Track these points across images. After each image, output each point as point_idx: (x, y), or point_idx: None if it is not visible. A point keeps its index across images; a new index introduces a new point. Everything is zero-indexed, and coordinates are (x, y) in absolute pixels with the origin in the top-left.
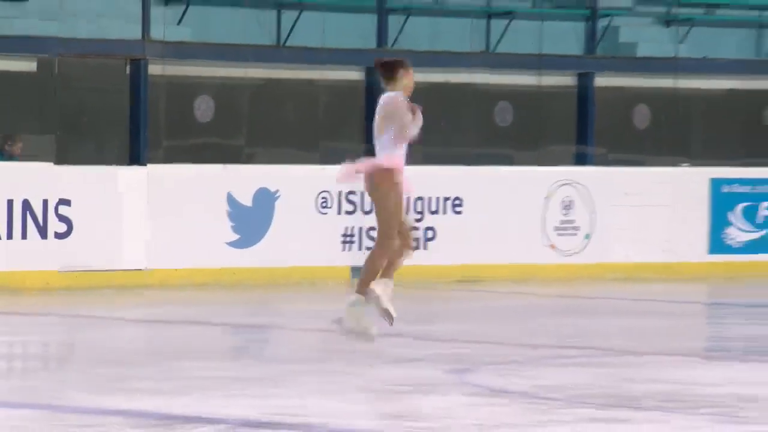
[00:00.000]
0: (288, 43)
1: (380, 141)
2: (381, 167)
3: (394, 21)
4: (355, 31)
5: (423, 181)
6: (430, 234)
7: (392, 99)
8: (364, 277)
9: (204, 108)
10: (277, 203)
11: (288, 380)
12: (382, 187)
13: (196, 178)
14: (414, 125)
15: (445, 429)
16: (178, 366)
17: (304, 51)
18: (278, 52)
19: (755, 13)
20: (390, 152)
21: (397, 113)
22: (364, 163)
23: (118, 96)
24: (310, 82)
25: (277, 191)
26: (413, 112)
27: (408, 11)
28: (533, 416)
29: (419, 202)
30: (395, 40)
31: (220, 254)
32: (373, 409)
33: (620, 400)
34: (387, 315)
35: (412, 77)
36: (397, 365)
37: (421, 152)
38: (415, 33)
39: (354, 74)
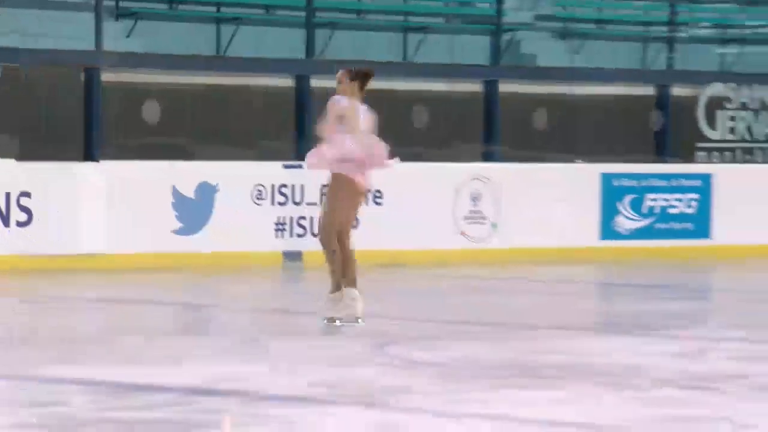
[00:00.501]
0: (227, 54)
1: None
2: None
3: (321, 34)
4: (287, 43)
5: None
6: (354, 223)
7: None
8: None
9: (151, 111)
10: (217, 195)
11: (226, 353)
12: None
13: (144, 174)
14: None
15: (364, 396)
16: (130, 341)
17: (241, 60)
18: (218, 61)
19: (641, 28)
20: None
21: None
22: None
23: (75, 101)
24: (246, 88)
25: (217, 185)
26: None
27: (334, 25)
28: (445, 385)
29: None
30: (322, 51)
31: (166, 241)
32: (301, 378)
33: (522, 370)
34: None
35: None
36: (321, 339)
37: None
38: (340, 45)
39: (285, 81)
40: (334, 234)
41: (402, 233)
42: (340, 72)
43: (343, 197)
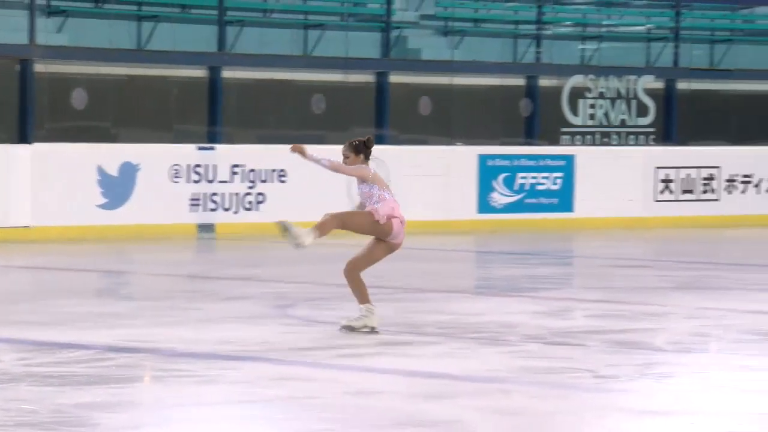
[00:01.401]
0: (147, 47)
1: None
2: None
3: (231, 30)
4: (200, 38)
5: (256, 157)
6: (261, 198)
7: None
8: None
9: (79, 98)
10: (138, 174)
11: (143, 314)
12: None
13: (72, 154)
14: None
15: (266, 351)
16: (55, 303)
17: (159, 53)
18: (139, 54)
19: (512, 26)
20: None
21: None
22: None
23: (10, 89)
24: (164, 78)
25: (139, 164)
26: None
27: (242, 23)
28: (338, 341)
29: (252, 173)
30: (232, 45)
31: (92, 215)
32: (208, 337)
33: (407, 328)
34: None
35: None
36: (229, 302)
37: (255, 134)
38: (248, 40)
39: (199, 72)
40: (357, 273)
41: (303, 207)
42: (344, 147)
43: (383, 249)
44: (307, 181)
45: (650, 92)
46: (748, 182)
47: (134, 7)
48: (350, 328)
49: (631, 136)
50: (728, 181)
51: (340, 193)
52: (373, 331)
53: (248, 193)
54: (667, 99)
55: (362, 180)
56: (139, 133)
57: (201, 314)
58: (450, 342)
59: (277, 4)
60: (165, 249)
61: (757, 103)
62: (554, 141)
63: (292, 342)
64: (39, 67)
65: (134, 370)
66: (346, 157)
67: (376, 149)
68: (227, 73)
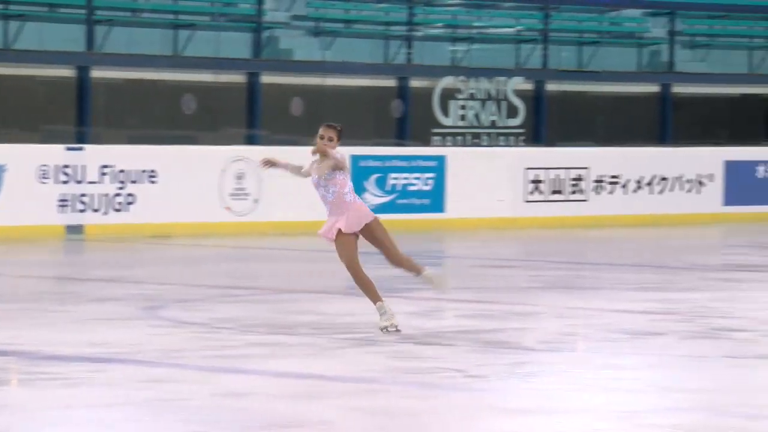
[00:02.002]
0: (13, 47)
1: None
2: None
3: (100, 30)
4: (69, 37)
5: (126, 158)
6: (130, 199)
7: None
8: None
9: None
10: (5, 175)
11: (9, 317)
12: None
13: None
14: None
15: (135, 353)
16: None
17: (26, 53)
18: (5, 53)
19: (383, 27)
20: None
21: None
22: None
23: None
24: (31, 78)
25: (5, 165)
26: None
27: (111, 22)
28: (210, 342)
29: (122, 174)
30: (101, 44)
31: None
32: (76, 339)
33: (279, 328)
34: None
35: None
36: (98, 303)
37: (125, 135)
38: (117, 39)
39: (67, 72)
40: (360, 271)
41: (173, 208)
42: (328, 129)
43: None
44: (178, 181)
45: (520, 93)
46: (616, 183)
47: (0, 6)
48: (384, 330)
49: (501, 137)
50: (596, 181)
51: (211, 193)
52: (396, 330)
53: (118, 194)
54: (536, 100)
55: (340, 169)
56: (5, 134)
57: (69, 316)
58: (321, 342)
59: (146, 3)
60: (33, 250)
61: (624, 104)
62: (425, 142)
63: (161, 344)
64: None
65: (3, 374)
66: (330, 139)
67: (246, 150)
68: (96, 73)
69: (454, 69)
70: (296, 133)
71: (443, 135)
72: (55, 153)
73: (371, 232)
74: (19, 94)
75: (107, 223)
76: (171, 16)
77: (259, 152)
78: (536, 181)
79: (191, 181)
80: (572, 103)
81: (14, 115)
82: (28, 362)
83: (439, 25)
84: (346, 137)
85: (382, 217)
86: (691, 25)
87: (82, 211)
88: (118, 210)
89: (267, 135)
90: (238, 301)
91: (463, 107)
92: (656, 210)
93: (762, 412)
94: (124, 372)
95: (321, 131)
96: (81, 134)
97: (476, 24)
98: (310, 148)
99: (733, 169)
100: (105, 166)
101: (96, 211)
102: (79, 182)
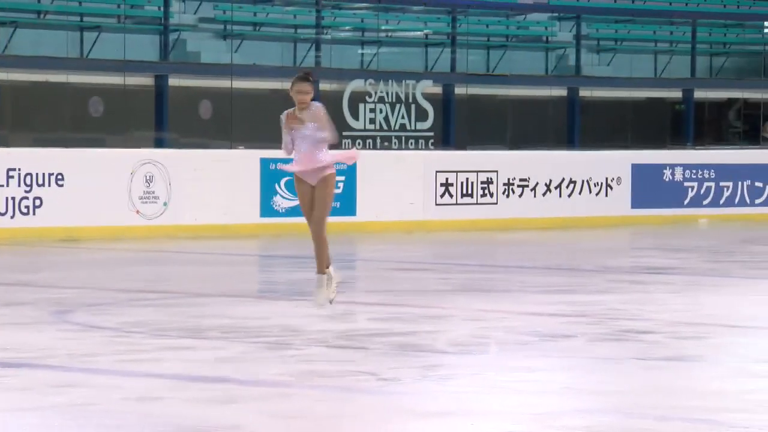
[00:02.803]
0: None
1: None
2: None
3: (4, 31)
4: None
5: (32, 161)
6: (38, 203)
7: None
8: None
9: None
10: None
11: None
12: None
13: None
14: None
15: (44, 358)
16: None
17: None
18: None
19: (292, 30)
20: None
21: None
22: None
23: None
24: None
25: None
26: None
27: (15, 24)
28: (120, 347)
29: (29, 177)
30: (5, 46)
31: None
32: None
33: (189, 333)
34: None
35: (297, 89)
36: (4, 307)
37: (31, 137)
38: (22, 41)
39: None
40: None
41: (82, 212)
42: (304, 83)
43: (332, 195)
44: (86, 185)
45: (429, 97)
46: (525, 186)
47: None
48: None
49: (411, 140)
50: (505, 184)
51: (121, 196)
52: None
53: (24, 198)
54: (445, 103)
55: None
56: None
57: None
58: (232, 346)
59: (51, 5)
60: None
61: (532, 107)
62: (335, 145)
63: (70, 348)
64: None
65: None
66: (306, 93)
67: (155, 153)
68: (1, 75)
69: (363, 72)
70: (205, 136)
71: (353, 138)
72: None
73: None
74: None
75: (14, 227)
76: (77, 18)
77: (168, 155)
78: (446, 185)
79: (100, 185)
80: (481, 106)
81: None
82: None
83: (348, 28)
84: (256, 140)
85: (293, 220)
86: (598, 29)
87: (25, 213)
88: (24, 213)
89: (175, 138)
90: (149, 305)
91: (372, 110)
92: (565, 213)
93: (673, 414)
94: (33, 376)
95: (297, 86)
96: None
97: (385, 27)
98: (288, 112)
99: (640, 172)
100: (11, 170)
101: (2, 215)
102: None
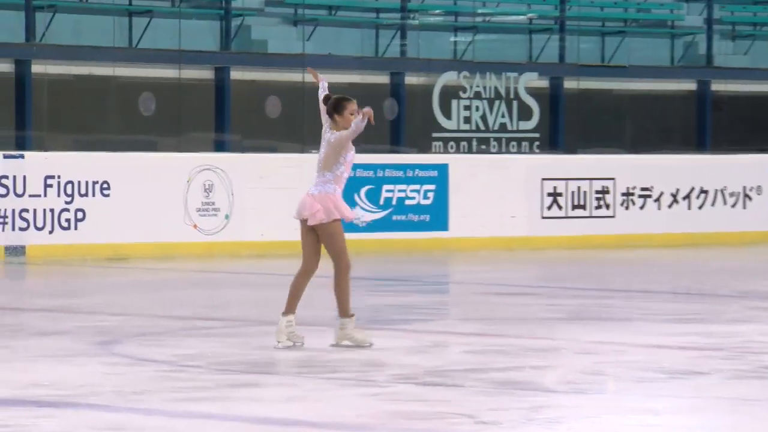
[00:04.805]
0: None
1: (324, 175)
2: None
3: (41, 17)
4: (4, 25)
5: (73, 167)
6: (80, 215)
7: (339, 137)
8: (343, 300)
9: None
10: None
11: None
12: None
13: None
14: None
15: (86, 396)
16: None
17: None
18: None
19: (372, 15)
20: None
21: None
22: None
23: None
24: None
25: None
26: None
27: (54, 8)
28: (172, 383)
29: (69, 186)
30: (43, 35)
31: None
32: (16, 379)
33: (255, 367)
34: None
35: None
36: (42, 338)
37: (72, 140)
38: (62, 29)
39: (4, 66)
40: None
41: (130, 226)
42: (354, 105)
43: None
44: (135, 194)
45: (533, 92)
46: (647, 196)
47: None
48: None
49: (513, 143)
50: (624, 194)
51: (175, 207)
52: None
53: (65, 210)
54: (552, 99)
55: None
56: None
57: (7, 353)
58: (305, 383)
59: None
60: None
61: (655, 104)
62: (424, 148)
63: (117, 384)
64: None
65: None
66: (351, 113)
67: (214, 157)
68: (37, 68)
69: (456, 63)
70: (273, 137)
71: (445, 140)
72: None
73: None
74: None
75: (52, 243)
76: (125, 2)
77: (230, 160)
78: (554, 195)
79: (151, 195)
80: (595, 102)
81: None
82: None
83: (439, 12)
84: None
85: (375, 235)
86: (732, 12)
87: (23, 229)
88: (65, 228)
89: (238, 140)
90: (208, 334)
91: (467, 108)
92: (695, 228)
93: None
94: (75, 418)
95: (351, 106)
96: (21, 139)
97: (481, 11)
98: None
99: None
100: (49, 177)
101: (39, 229)
102: (19, 195)
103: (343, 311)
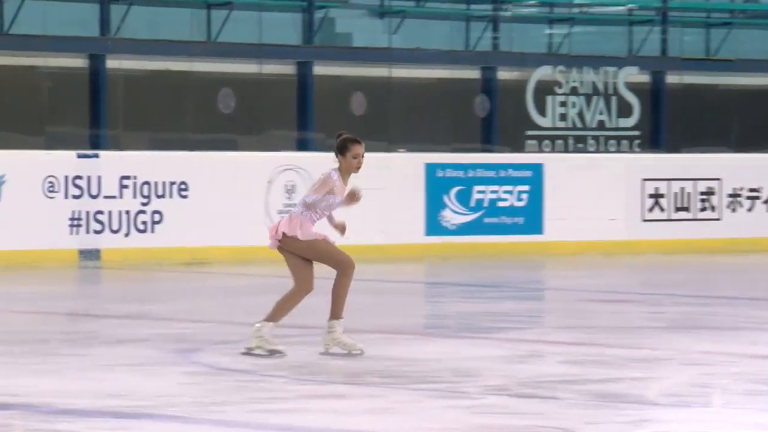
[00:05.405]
0: (11, 31)
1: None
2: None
3: (116, 10)
4: (78, 19)
5: (149, 167)
6: (157, 218)
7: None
8: (338, 302)
9: None
10: (3, 187)
11: (10, 362)
12: (300, 244)
13: None
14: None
15: (164, 407)
16: None
17: (26, 38)
18: (1, 40)
19: (463, 6)
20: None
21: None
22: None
23: None
24: (33, 69)
25: (3, 176)
26: (351, 198)
27: (129, 1)
28: (254, 394)
29: (146, 187)
30: (118, 28)
31: None
32: (92, 389)
33: (341, 377)
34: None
35: (357, 151)
36: (118, 345)
37: (148, 138)
38: (137, 22)
39: (78, 61)
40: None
41: (209, 228)
42: (362, 149)
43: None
44: (214, 196)
45: (634, 87)
46: (756, 197)
47: None
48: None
49: (612, 141)
50: (731, 196)
51: (255, 209)
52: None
53: (141, 212)
54: (654, 95)
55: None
56: (4, 138)
57: (83, 361)
58: (393, 394)
59: None
60: (38, 280)
61: (763, 100)
62: (518, 147)
63: (196, 395)
64: None
65: None
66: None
67: (297, 157)
68: (112, 63)
69: (551, 57)
70: (357, 135)
71: (539, 138)
72: (64, 161)
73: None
74: (20, 90)
75: (128, 247)
76: None
77: (313, 160)
78: (656, 196)
79: (230, 196)
80: (699, 98)
81: (14, 116)
82: (36, 418)
83: (533, 2)
84: (420, 141)
85: (465, 239)
86: None
87: (98, 232)
88: (141, 231)
89: (322, 139)
90: (290, 342)
91: (563, 104)
92: None
93: None
94: (152, 429)
95: (356, 149)
96: (95, 138)
97: (578, 2)
98: (349, 191)
99: None
100: (125, 177)
101: (115, 232)
102: (93, 197)
103: (335, 313)
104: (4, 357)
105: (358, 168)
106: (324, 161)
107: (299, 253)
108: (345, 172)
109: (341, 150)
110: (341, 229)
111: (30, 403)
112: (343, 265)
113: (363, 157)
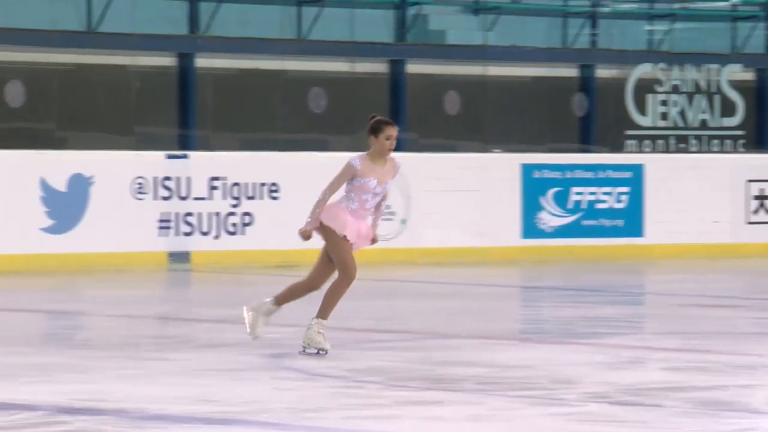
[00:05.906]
0: (99, 29)
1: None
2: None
3: (205, 8)
4: (167, 16)
5: (239, 168)
6: (247, 219)
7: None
8: (328, 306)
9: (14, 93)
10: (92, 189)
11: (100, 366)
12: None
13: (9, 163)
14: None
15: (256, 413)
16: None
17: (115, 36)
18: (89, 37)
19: (560, 2)
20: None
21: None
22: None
23: None
24: (121, 68)
25: (92, 177)
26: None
27: None
28: (348, 400)
29: (236, 188)
30: (208, 26)
31: (34, 240)
32: (182, 394)
33: (437, 383)
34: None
35: (390, 133)
36: (209, 350)
37: (238, 139)
38: (227, 19)
39: (166, 60)
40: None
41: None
42: (395, 131)
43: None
44: (306, 197)
45: (738, 85)
46: None
47: None
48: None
49: (715, 141)
50: None
51: None
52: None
53: (231, 213)
54: (759, 93)
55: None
56: (91, 138)
57: (173, 366)
58: (489, 401)
59: None
60: (127, 283)
61: None
62: (617, 147)
63: (289, 401)
64: None
65: None
66: (395, 139)
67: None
68: (201, 62)
69: (652, 54)
70: (452, 136)
71: (639, 138)
72: (153, 162)
73: None
74: (107, 89)
75: (218, 249)
76: None
77: (406, 160)
78: (761, 198)
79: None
80: None
81: (101, 115)
82: (128, 423)
83: None
84: (515, 141)
85: (563, 242)
86: None
87: (187, 234)
88: (231, 233)
89: (415, 139)
90: (384, 347)
91: (664, 103)
92: None
93: None
94: None
95: (389, 130)
96: (184, 138)
97: None
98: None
99: None
100: (215, 179)
101: (205, 234)
102: (183, 198)
103: (322, 313)
104: (94, 362)
105: (390, 150)
106: (417, 161)
107: (322, 238)
108: (377, 153)
109: (374, 131)
110: (373, 241)
111: (120, 408)
112: (347, 271)
113: (396, 139)
